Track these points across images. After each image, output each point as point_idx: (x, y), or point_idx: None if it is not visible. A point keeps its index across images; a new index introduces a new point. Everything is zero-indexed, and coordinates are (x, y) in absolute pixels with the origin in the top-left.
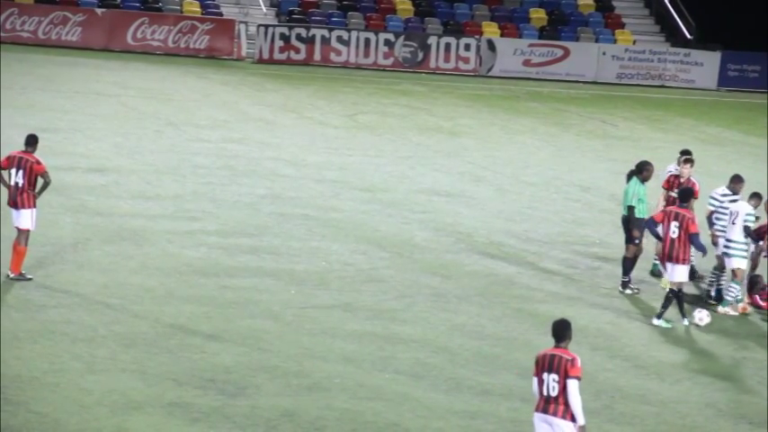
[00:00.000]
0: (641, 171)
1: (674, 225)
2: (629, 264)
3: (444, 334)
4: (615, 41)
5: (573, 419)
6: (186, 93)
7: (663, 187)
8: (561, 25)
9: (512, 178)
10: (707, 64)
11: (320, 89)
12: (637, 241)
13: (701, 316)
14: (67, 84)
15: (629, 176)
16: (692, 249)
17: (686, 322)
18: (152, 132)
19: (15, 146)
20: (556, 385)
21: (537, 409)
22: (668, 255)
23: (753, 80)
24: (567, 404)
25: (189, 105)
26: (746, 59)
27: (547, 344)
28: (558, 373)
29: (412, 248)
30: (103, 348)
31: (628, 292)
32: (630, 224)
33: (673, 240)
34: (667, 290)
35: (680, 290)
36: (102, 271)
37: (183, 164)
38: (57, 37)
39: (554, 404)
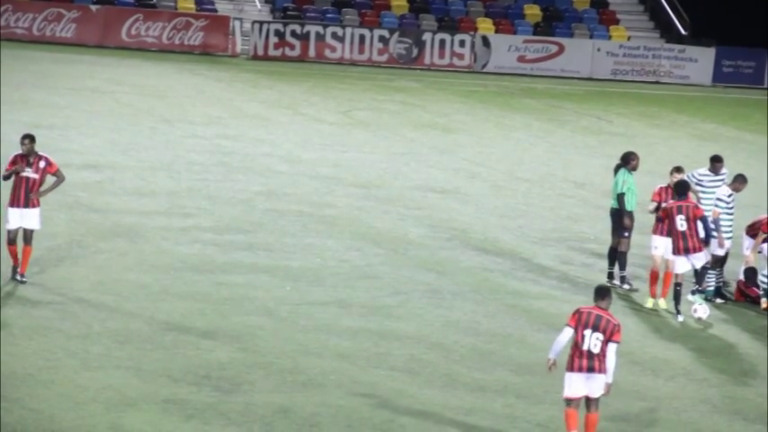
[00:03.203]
0: (628, 161)
1: (679, 218)
2: (623, 258)
3: (439, 330)
4: (610, 38)
5: (605, 372)
6: (181, 89)
7: (653, 201)
8: (556, 21)
9: (506, 174)
10: (701, 60)
11: (315, 86)
12: (626, 234)
13: (701, 309)
14: (62, 80)
15: (617, 169)
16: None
17: (681, 318)
18: (146, 129)
19: (9, 143)
20: (599, 344)
21: (579, 369)
22: (683, 248)
23: (747, 76)
24: (604, 361)
25: (183, 102)
26: (741, 55)
27: (542, 340)
28: (603, 333)
29: (407, 245)
30: (98, 345)
31: (626, 287)
32: (622, 213)
33: (683, 233)
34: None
35: (679, 282)
36: (96, 268)
37: (178, 160)
38: (51, 33)
39: (597, 361)
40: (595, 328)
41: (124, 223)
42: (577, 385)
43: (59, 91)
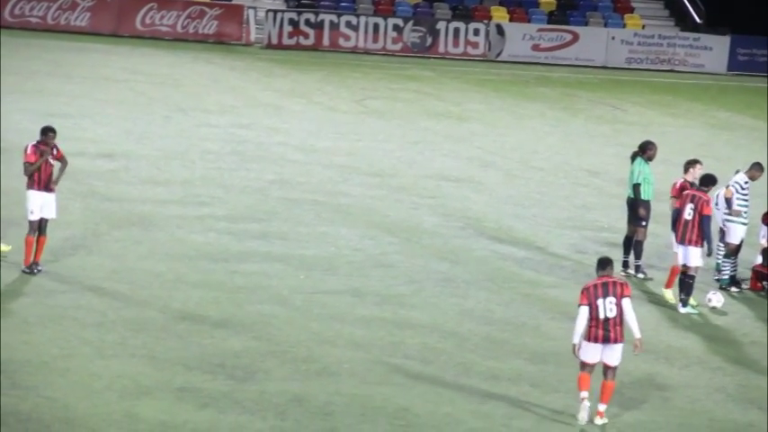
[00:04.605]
0: (645, 150)
1: (689, 207)
2: (640, 247)
3: (453, 319)
4: (624, 26)
5: (623, 341)
6: (195, 78)
7: (673, 196)
8: (570, 10)
9: (520, 163)
10: (716, 48)
11: (329, 74)
12: (644, 223)
13: (715, 298)
14: (76, 69)
15: (633, 157)
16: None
17: (682, 310)
18: (161, 118)
19: (24, 131)
20: (614, 307)
21: (595, 340)
22: (682, 237)
23: (762, 64)
24: (621, 324)
25: (198, 91)
26: (756, 44)
27: (556, 329)
28: (615, 296)
29: (421, 233)
30: (113, 333)
31: (641, 276)
32: (637, 203)
33: (687, 222)
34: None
35: (689, 274)
36: (111, 256)
37: (192, 149)
38: (65, 22)
39: (612, 329)
40: (606, 294)
41: (138, 212)
42: (593, 353)
43: (74, 80)
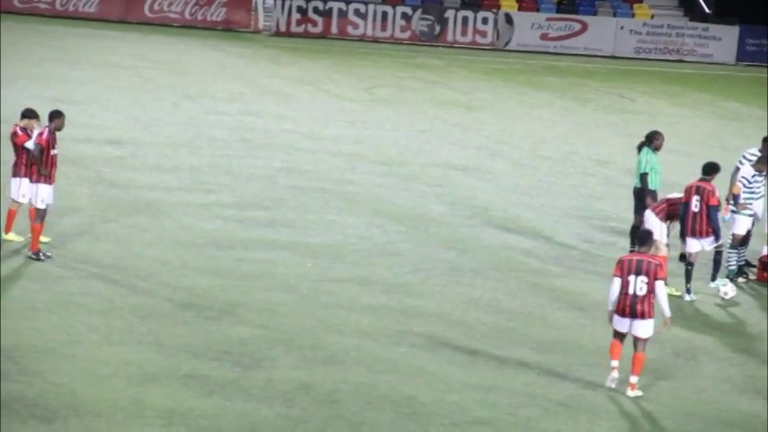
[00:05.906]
0: (652, 140)
1: (695, 199)
2: None
3: (460, 308)
4: (633, 16)
5: (652, 316)
6: (203, 65)
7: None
8: None
9: (528, 152)
10: (725, 38)
11: (337, 62)
12: None
13: (726, 289)
14: (85, 55)
15: (640, 147)
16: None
17: (687, 297)
18: (169, 105)
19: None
20: (644, 286)
21: (622, 313)
22: (691, 229)
23: None
24: (650, 303)
25: (205, 78)
26: (765, 34)
27: (562, 318)
28: (647, 275)
29: (428, 222)
30: (120, 320)
31: None
32: (644, 193)
33: (695, 214)
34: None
35: (719, 251)
36: (118, 243)
37: (200, 136)
38: (74, 8)
39: (641, 305)
40: (638, 272)
41: (146, 199)
42: (622, 324)
43: (82, 66)
